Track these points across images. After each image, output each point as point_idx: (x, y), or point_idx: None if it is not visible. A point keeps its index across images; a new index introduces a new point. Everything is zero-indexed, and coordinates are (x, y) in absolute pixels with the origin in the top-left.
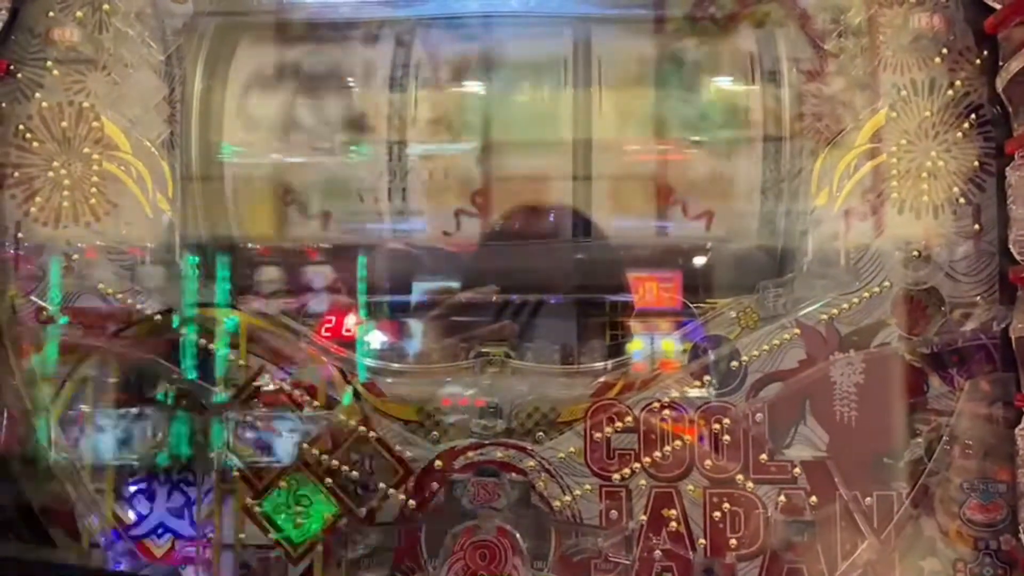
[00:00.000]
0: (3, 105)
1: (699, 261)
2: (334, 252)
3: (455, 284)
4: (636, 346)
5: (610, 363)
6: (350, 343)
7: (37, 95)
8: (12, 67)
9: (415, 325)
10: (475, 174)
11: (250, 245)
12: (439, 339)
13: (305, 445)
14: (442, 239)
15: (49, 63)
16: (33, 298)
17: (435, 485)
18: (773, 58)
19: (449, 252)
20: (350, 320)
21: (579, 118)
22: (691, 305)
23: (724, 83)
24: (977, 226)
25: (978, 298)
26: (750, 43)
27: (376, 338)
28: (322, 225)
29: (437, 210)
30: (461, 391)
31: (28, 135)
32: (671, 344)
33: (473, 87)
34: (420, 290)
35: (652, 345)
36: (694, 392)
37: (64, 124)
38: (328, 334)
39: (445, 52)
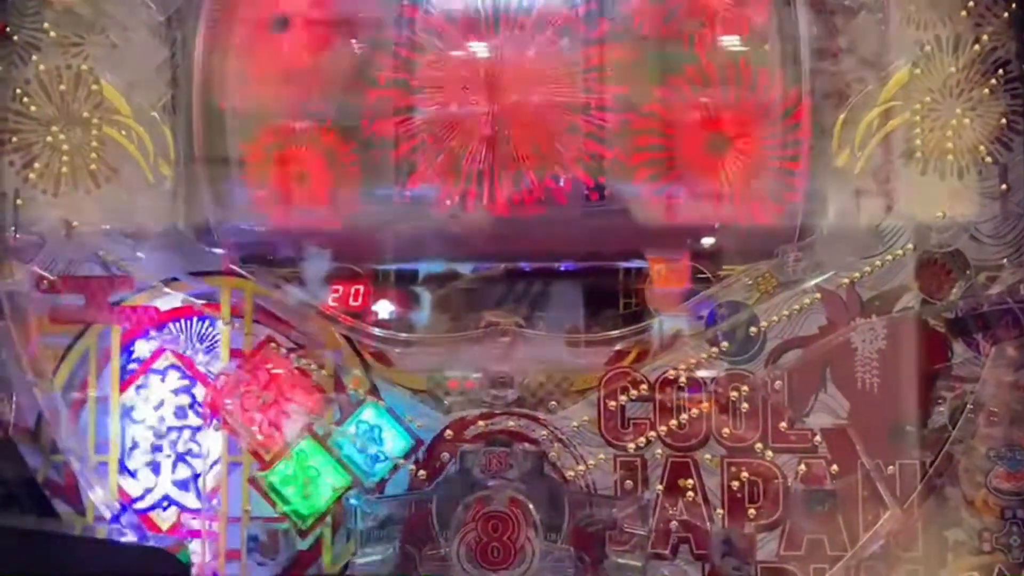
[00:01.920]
0: (0, 69)
1: (708, 241)
2: (341, 233)
3: (463, 264)
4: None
5: (623, 331)
6: (357, 313)
7: (34, 58)
8: (8, 29)
9: (424, 300)
10: (484, 157)
11: (257, 227)
12: (449, 314)
13: (314, 416)
14: (450, 220)
15: (46, 25)
16: (33, 267)
17: (446, 455)
18: (790, 33)
19: (458, 231)
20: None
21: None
22: (708, 274)
23: (738, 57)
24: (1004, 186)
25: (1004, 261)
26: (766, 18)
27: (385, 308)
28: (329, 209)
29: (446, 195)
30: (468, 374)
31: (26, 99)
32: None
33: (480, 52)
34: (427, 272)
35: (662, 327)
36: (708, 364)
37: (62, 88)
38: (335, 304)
39: (451, 22)
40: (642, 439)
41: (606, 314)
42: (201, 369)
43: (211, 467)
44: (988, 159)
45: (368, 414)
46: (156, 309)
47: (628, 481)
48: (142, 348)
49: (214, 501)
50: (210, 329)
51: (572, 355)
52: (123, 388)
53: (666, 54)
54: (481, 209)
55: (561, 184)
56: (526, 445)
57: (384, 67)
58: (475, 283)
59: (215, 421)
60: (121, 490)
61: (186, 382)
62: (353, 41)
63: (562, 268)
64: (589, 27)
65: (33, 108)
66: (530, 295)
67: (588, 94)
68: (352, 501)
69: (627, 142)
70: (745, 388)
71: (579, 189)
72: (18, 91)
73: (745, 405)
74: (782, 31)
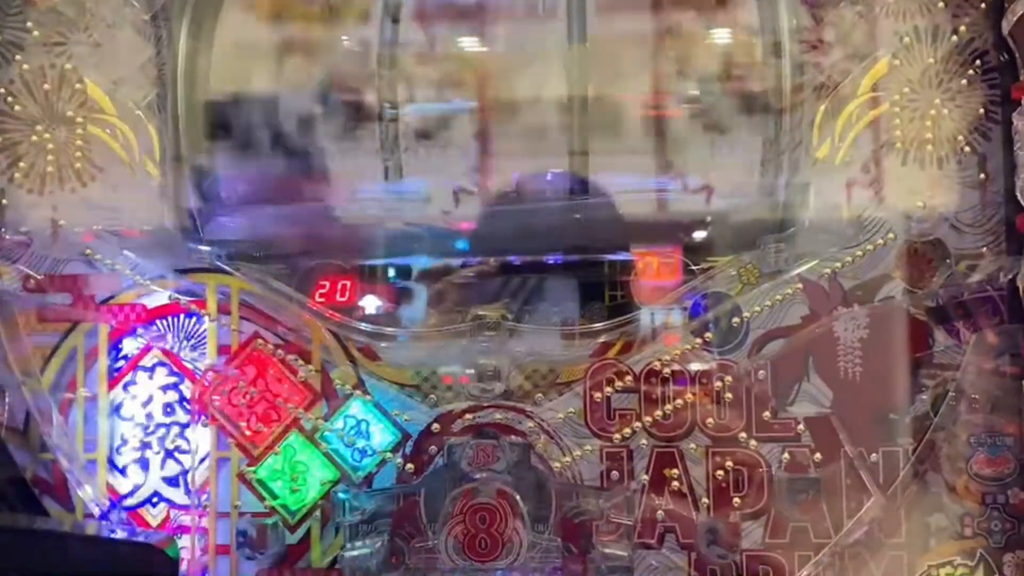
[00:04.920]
0: None
1: (699, 235)
2: (328, 228)
3: (455, 261)
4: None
5: (609, 323)
6: (344, 309)
7: (18, 57)
8: None
9: (412, 295)
10: (472, 151)
11: (243, 224)
12: (437, 309)
13: (301, 411)
14: (441, 218)
15: (29, 24)
16: (20, 266)
17: (433, 449)
18: (774, 29)
19: (448, 229)
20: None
21: (575, 95)
22: (692, 265)
23: (723, 55)
24: (983, 175)
25: (984, 249)
26: (750, 14)
27: (372, 304)
28: (316, 205)
29: (435, 189)
30: (460, 369)
31: (10, 99)
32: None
33: (466, 51)
34: (419, 269)
35: (653, 319)
36: (694, 353)
37: (46, 87)
38: (322, 300)
39: (436, 20)
40: (627, 430)
41: (592, 306)
42: (189, 366)
43: (200, 463)
44: (967, 149)
45: (355, 409)
46: (143, 306)
47: (614, 472)
48: (130, 345)
49: (203, 497)
50: (197, 326)
51: (558, 347)
52: (111, 386)
53: (652, 46)
54: (469, 204)
55: (548, 178)
56: (513, 437)
57: (370, 62)
58: (465, 278)
59: (203, 417)
60: (110, 487)
61: (174, 379)
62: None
63: (549, 262)
64: (574, 19)
65: (17, 108)
66: (517, 289)
67: (574, 88)
68: (340, 495)
69: (613, 136)
70: (729, 378)
71: (565, 183)
72: (2, 91)
73: (729, 395)
74: (766, 24)
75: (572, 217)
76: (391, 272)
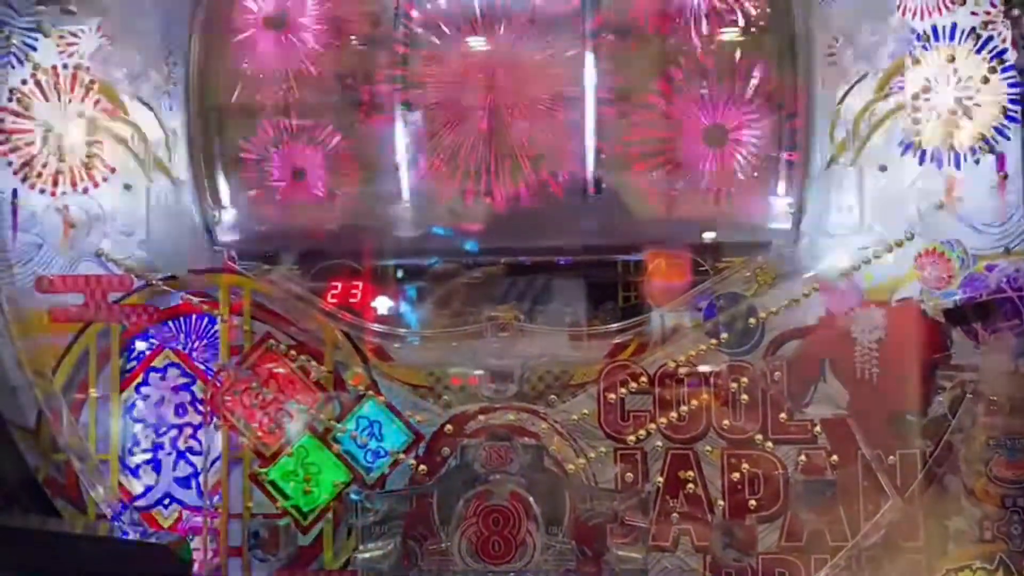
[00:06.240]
0: None
1: (708, 235)
2: (340, 233)
3: (462, 259)
4: None
5: (622, 324)
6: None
7: (31, 56)
8: (4, 30)
9: (424, 295)
10: (482, 152)
11: (254, 225)
12: (449, 309)
13: (313, 411)
14: (450, 218)
15: (43, 24)
16: (33, 266)
17: (446, 450)
18: (787, 24)
19: (457, 230)
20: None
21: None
22: (707, 266)
23: (735, 49)
24: (1002, 174)
25: (1002, 249)
26: (762, 15)
27: (384, 304)
28: (328, 206)
29: (445, 191)
30: (470, 371)
31: (23, 99)
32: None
33: (477, 49)
34: (427, 267)
35: (664, 321)
36: (709, 355)
37: (59, 86)
38: (334, 301)
39: (448, 17)
40: (642, 432)
41: (605, 307)
42: (201, 366)
43: (212, 464)
44: (986, 147)
45: (368, 410)
46: (155, 307)
47: (628, 474)
48: (141, 346)
49: (215, 498)
50: (209, 326)
51: (571, 349)
52: (123, 386)
53: (663, 46)
54: (479, 204)
55: (559, 179)
56: (526, 439)
57: (381, 63)
58: (476, 278)
59: (215, 418)
60: (122, 488)
61: (186, 379)
62: (351, 37)
63: (561, 262)
64: (585, 20)
65: (30, 108)
66: (529, 289)
67: (585, 88)
68: (353, 496)
69: (624, 135)
70: (744, 380)
71: (577, 183)
72: (15, 90)
73: (745, 397)
74: (778, 22)
75: (584, 218)
76: (400, 273)
